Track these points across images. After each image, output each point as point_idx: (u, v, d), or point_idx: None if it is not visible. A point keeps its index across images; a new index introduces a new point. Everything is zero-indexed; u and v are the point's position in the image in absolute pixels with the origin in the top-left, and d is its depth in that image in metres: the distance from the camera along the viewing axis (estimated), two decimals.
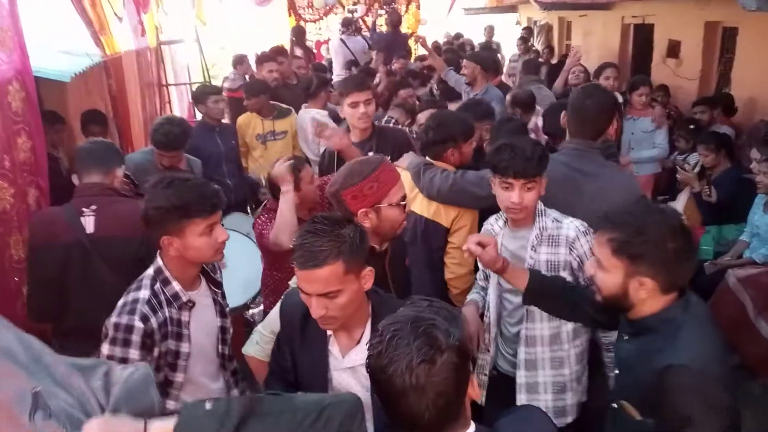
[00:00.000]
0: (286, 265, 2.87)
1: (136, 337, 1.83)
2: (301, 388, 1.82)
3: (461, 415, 1.26)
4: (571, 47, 9.98)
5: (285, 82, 6.01)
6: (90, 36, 4.16)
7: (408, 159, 2.95)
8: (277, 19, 11.76)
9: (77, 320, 2.46)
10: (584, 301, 2.02)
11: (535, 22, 12.76)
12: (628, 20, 8.50)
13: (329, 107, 5.08)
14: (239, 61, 7.71)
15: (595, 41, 9.56)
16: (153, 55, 5.91)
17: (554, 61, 9.63)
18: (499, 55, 11.77)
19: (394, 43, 8.68)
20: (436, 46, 8.73)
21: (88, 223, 2.49)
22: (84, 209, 2.50)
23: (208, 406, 1.26)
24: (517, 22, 14.04)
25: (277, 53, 6.46)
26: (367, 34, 9.73)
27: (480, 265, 2.40)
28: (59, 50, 3.91)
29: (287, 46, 9.05)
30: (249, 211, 4.82)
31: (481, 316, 2.45)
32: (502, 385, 2.42)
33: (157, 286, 1.95)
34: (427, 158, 2.83)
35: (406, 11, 12.14)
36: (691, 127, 5.30)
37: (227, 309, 2.25)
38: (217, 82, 7.90)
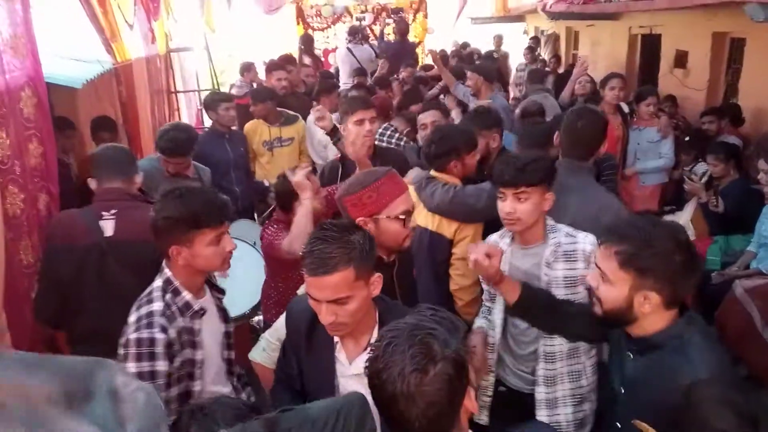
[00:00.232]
0: (292, 276, 2.88)
1: (159, 349, 1.83)
2: (308, 395, 1.83)
3: (454, 427, 1.24)
4: (578, 57, 10.00)
5: (293, 90, 6.04)
6: (101, 43, 4.20)
7: (413, 173, 2.97)
8: (286, 27, 11.86)
9: (92, 323, 2.47)
10: (573, 315, 2.03)
11: (543, 32, 12.77)
12: (636, 30, 8.49)
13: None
14: (246, 68, 7.77)
15: (602, 51, 9.55)
16: (162, 62, 5.93)
17: (561, 70, 9.64)
18: (508, 63, 11.84)
19: (401, 51, 8.74)
20: (443, 55, 8.77)
21: (107, 226, 2.49)
22: (104, 213, 2.51)
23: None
24: (525, 32, 14.07)
25: (286, 62, 6.51)
26: (374, 42, 9.78)
27: (483, 283, 2.38)
28: (71, 57, 3.95)
29: (296, 55, 9.11)
30: (255, 217, 4.85)
31: None
32: (513, 401, 2.40)
33: (168, 296, 1.95)
34: (432, 171, 2.85)
35: (414, 20, 12.22)
36: (687, 139, 5.35)
37: (230, 316, 2.26)
38: (224, 89, 7.95)
